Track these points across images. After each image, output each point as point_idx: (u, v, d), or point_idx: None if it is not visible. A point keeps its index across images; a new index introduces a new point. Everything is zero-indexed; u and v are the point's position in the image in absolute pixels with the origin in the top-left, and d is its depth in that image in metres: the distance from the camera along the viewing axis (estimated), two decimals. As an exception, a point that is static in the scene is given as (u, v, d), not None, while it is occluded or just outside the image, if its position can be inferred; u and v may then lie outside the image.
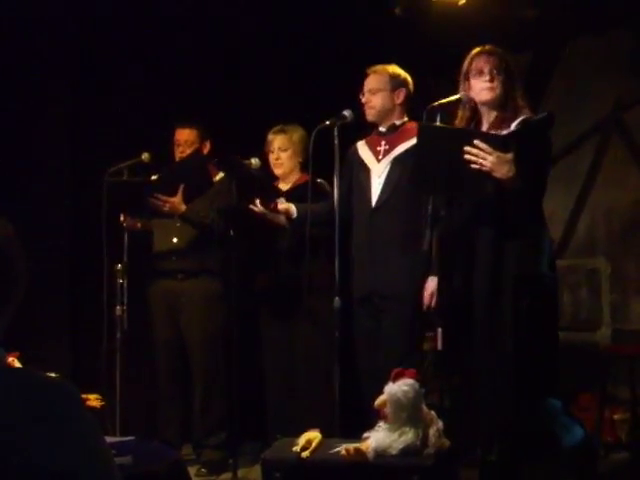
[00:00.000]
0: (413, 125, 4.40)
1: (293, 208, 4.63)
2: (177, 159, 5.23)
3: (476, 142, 3.66)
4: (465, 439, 3.81)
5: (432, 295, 4.05)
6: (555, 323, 3.99)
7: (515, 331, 3.68)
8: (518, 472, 3.57)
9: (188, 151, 5.18)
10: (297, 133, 5.01)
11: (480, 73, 3.91)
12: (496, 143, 3.67)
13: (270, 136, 5.07)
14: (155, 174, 5.11)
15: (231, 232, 4.73)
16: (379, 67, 4.47)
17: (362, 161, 4.51)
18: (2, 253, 1.51)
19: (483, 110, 3.98)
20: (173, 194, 4.99)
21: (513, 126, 3.88)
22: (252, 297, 5.22)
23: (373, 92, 4.45)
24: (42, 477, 1.36)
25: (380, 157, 4.45)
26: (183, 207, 5.02)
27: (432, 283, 4.05)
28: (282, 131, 5.05)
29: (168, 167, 5.10)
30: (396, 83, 4.45)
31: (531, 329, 3.69)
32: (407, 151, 4.35)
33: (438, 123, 4.03)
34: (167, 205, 4.99)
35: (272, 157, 5.05)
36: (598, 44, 5.87)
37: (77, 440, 1.41)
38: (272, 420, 5.10)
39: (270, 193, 4.76)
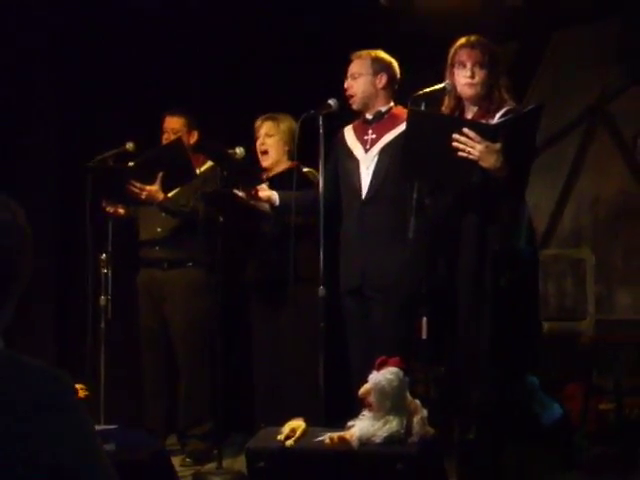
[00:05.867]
0: (400, 110, 4.38)
1: (275, 196, 4.60)
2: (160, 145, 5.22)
3: (465, 130, 3.65)
4: (449, 428, 3.82)
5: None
6: (535, 299, 4.00)
7: (494, 307, 3.68)
8: (497, 450, 3.58)
9: (172, 139, 5.16)
10: (286, 121, 4.96)
11: (462, 66, 3.91)
12: (486, 132, 3.66)
13: (258, 122, 5.04)
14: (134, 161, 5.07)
15: (220, 219, 4.72)
16: (363, 52, 4.44)
17: (350, 150, 4.47)
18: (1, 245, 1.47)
19: (466, 103, 3.99)
20: (151, 182, 4.96)
21: (497, 117, 3.88)
22: (238, 286, 5.22)
23: (355, 77, 4.42)
24: (41, 466, 1.36)
25: (368, 147, 4.41)
26: (161, 195, 4.98)
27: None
28: (270, 118, 5.02)
29: (145, 154, 5.06)
30: (378, 67, 4.41)
31: (510, 305, 3.69)
32: (394, 139, 4.32)
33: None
34: (144, 193, 4.96)
35: (258, 143, 5.02)
36: (584, 34, 5.88)
37: (76, 429, 1.41)
38: (258, 409, 5.09)
39: (252, 179, 4.73)
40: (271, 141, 4.99)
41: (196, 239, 5.09)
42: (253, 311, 5.13)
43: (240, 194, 4.67)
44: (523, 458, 3.50)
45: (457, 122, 3.82)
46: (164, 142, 5.21)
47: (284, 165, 5.00)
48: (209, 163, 5.18)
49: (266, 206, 4.67)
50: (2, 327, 1.49)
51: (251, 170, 4.82)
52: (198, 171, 5.16)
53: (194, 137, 5.26)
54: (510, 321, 3.69)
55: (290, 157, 4.98)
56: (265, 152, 5.00)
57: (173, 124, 5.22)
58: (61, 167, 5.68)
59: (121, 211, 5.17)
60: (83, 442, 1.43)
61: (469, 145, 3.65)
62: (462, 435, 3.72)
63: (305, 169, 4.92)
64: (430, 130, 3.80)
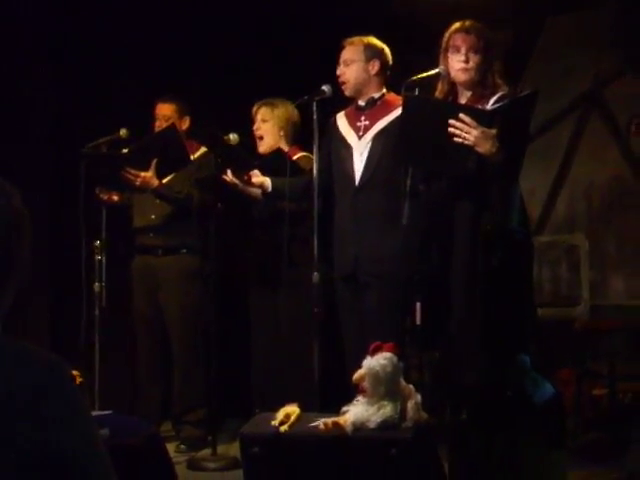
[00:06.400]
0: (392, 97, 4.38)
1: (268, 182, 4.60)
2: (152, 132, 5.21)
3: (461, 116, 3.65)
4: (441, 410, 3.83)
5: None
6: (529, 280, 4.00)
7: (487, 286, 3.69)
8: (488, 430, 3.58)
9: (165, 126, 5.15)
10: (281, 107, 4.95)
11: (457, 51, 3.91)
12: (481, 118, 3.66)
13: (255, 108, 5.04)
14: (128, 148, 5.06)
15: (219, 205, 4.73)
16: (355, 38, 4.45)
17: (342, 137, 4.47)
18: None
19: (459, 88, 3.99)
20: (146, 168, 4.95)
21: (491, 102, 3.88)
22: (234, 272, 5.22)
23: (347, 63, 4.42)
24: (38, 453, 1.37)
25: (361, 133, 4.41)
26: (155, 182, 4.98)
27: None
28: (266, 103, 5.01)
29: (140, 141, 5.05)
30: (370, 53, 4.42)
31: (502, 285, 3.69)
32: (388, 126, 4.33)
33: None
34: (138, 180, 4.95)
35: (254, 128, 5.03)
36: (578, 20, 5.87)
37: (73, 416, 1.42)
38: (255, 394, 5.10)
39: (244, 165, 4.72)
40: (266, 127, 4.99)
41: (190, 226, 5.09)
42: (250, 296, 5.13)
43: (228, 179, 4.66)
44: (515, 438, 3.50)
45: (453, 107, 3.82)
46: (156, 129, 5.20)
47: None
48: (203, 149, 5.18)
49: (257, 191, 4.68)
50: (2, 313, 1.49)
51: (244, 156, 4.81)
52: (192, 157, 5.15)
53: (186, 123, 5.25)
54: (502, 301, 3.70)
55: (288, 142, 4.98)
56: (261, 138, 5.01)
57: (164, 111, 5.22)
58: (55, 153, 5.66)
59: (115, 198, 5.17)
60: (80, 429, 1.43)
61: (465, 130, 3.65)
62: (454, 416, 3.73)
63: (300, 154, 4.92)
64: (426, 116, 3.80)
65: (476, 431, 3.57)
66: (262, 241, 5.00)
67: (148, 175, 4.95)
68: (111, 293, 4.99)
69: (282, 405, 3.64)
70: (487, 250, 3.69)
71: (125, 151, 5.00)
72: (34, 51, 5.60)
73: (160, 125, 5.19)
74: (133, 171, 4.93)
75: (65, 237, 5.40)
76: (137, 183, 4.96)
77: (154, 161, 4.94)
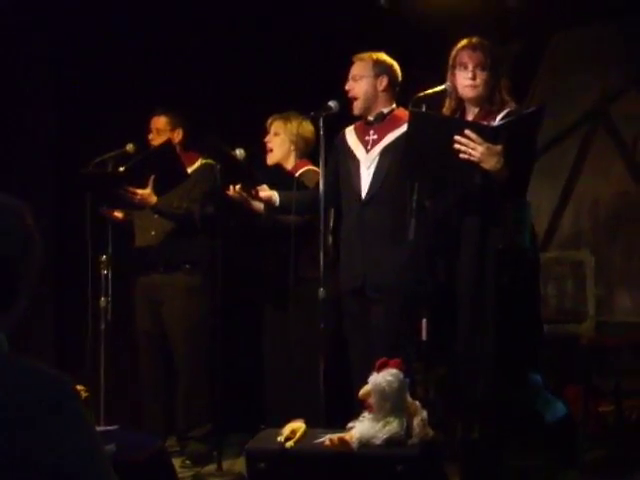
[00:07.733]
0: (402, 112, 4.39)
1: (275, 196, 4.59)
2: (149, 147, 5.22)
3: (466, 132, 3.66)
4: (451, 428, 3.82)
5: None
6: (537, 298, 4.00)
7: (497, 306, 3.69)
8: (500, 449, 3.58)
9: (158, 139, 5.16)
10: (295, 121, 4.96)
11: (464, 68, 3.92)
12: (487, 134, 3.67)
13: (269, 120, 5.06)
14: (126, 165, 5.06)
15: (231, 222, 4.73)
16: (364, 54, 4.47)
17: (351, 151, 4.48)
18: (6, 250, 1.47)
19: (467, 104, 3.99)
20: (144, 186, 4.95)
21: (498, 119, 3.89)
22: (241, 287, 5.22)
23: (356, 79, 4.44)
24: (41, 469, 1.37)
25: (369, 147, 4.42)
26: (154, 199, 4.97)
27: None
28: (280, 117, 5.03)
29: (135, 158, 5.04)
30: (379, 69, 4.43)
31: (513, 304, 3.69)
32: (396, 140, 4.33)
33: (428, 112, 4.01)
34: (137, 197, 4.95)
35: (266, 140, 5.04)
36: (585, 36, 5.88)
37: (77, 433, 1.43)
38: (265, 411, 5.09)
39: (252, 179, 4.71)
40: (277, 140, 5.02)
41: (192, 241, 5.09)
42: (260, 311, 5.12)
43: (231, 194, 4.65)
44: (526, 457, 3.50)
45: (458, 123, 3.82)
46: (150, 142, 5.21)
47: (291, 164, 5.00)
48: (199, 162, 5.18)
49: (260, 206, 4.68)
50: (8, 329, 1.49)
51: (252, 170, 4.81)
52: (189, 171, 5.13)
53: (179, 135, 5.24)
54: (513, 319, 3.70)
55: (298, 156, 4.99)
56: (271, 150, 5.03)
57: (157, 123, 5.24)
58: (61, 167, 5.68)
59: (119, 215, 5.18)
60: (84, 446, 1.43)
61: (470, 147, 3.65)
62: (465, 434, 3.72)
63: (305, 168, 4.93)
64: (431, 131, 3.80)
65: (488, 449, 3.57)
66: (269, 256, 5.00)
67: (146, 192, 4.95)
68: (117, 308, 4.99)
69: (288, 421, 3.64)
70: (499, 268, 3.69)
71: (122, 169, 5.00)
72: (38, 66, 5.62)
73: (153, 138, 5.20)
74: (131, 189, 4.94)
75: (71, 251, 5.41)
76: (135, 201, 4.96)
77: (151, 178, 4.94)
